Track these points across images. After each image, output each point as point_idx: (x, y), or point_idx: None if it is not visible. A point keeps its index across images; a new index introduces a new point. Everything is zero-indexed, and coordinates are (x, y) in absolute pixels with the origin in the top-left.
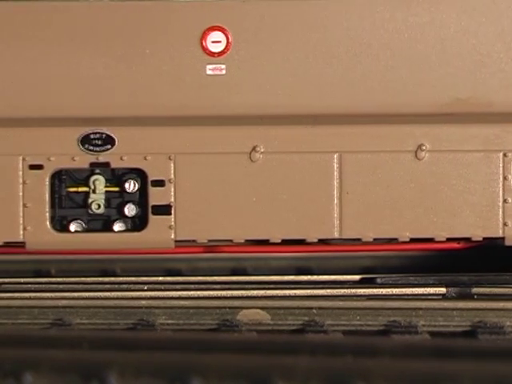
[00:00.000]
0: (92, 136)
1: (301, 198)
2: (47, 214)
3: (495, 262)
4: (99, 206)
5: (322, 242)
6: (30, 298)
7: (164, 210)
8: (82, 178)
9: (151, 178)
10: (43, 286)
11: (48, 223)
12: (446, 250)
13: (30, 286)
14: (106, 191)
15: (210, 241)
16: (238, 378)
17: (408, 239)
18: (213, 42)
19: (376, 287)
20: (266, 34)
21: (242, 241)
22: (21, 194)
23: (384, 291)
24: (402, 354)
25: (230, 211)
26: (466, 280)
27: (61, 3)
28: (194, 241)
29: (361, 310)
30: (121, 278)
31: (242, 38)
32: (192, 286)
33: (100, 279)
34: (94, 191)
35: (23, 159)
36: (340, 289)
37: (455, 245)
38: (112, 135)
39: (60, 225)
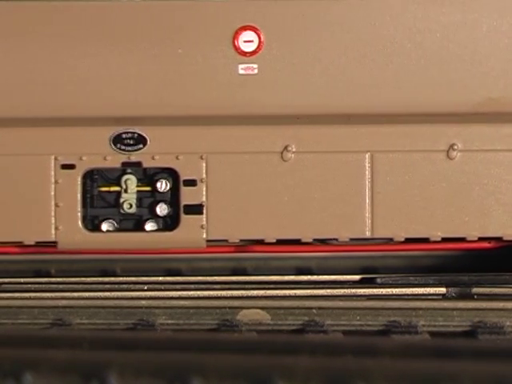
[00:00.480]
0: (124, 135)
1: (332, 198)
2: (79, 214)
3: None
4: (131, 206)
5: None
6: (30, 298)
7: (196, 209)
8: (113, 177)
9: (183, 177)
10: (43, 285)
11: (80, 223)
12: (477, 250)
13: (29, 285)
14: (138, 191)
15: (241, 240)
16: (238, 378)
17: (439, 239)
18: (245, 41)
19: (376, 287)
20: (298, 33)
21: (274, 240)
22: (53, 193)
23: (384, 291)
24: (401, 354)
25: (261, 211)
26: (466, 280)
27: (93, 2)
28: (225, 240)
29: (361, 310)
30: (121, 278)
31: (274, 37)
32: (192, 286)
33: (100, 279)
34: (125, 191)
35: (55, 159)
36: (340, 289)
37: (486, 244)
38: (144, 135)
39: (92, 224)
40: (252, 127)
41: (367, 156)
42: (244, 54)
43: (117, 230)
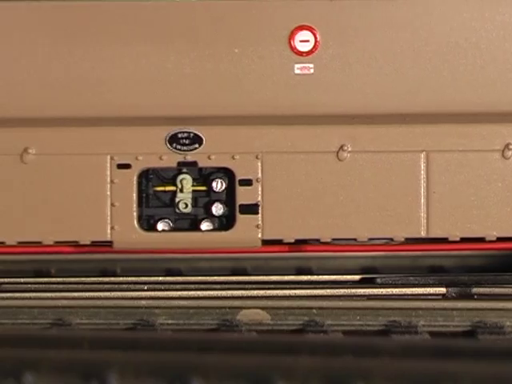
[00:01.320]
0: (180, 135)
1: (387, 197)
2: (135, 214)
3: None
4: (186, 206)
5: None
6: (30, 298)
7: (251, 209)
8: (169, 177)
9: (239, 177)
10: (43, 285)
11: (135, 222)
12: None
13: (29, 285)
14: (193, 190)
15: (296, 240)
16: (238, 378)
17: (495, 238)
18: (301, 41)
19: (376, 287)
20: (353, 32)
21: (329, 240)
22: (108, 193)
23: (384, 291)
24: (401, 354)
25: (316, 210)
26: (465, 280)
27: (151, 2)
28: (280, 240)
29: (361, 310)
30: (121, 278)
31: (330, 37)
32: (192, 286)
33: (100, 279)
34: (181, 190)
35: (111, 158)
36: (340, 289)
37: None
38: (200, 134)
39: (147, 224)
40: (308, 127)
41: (422, 155)
42: (300, 53)
43: (172, 229)
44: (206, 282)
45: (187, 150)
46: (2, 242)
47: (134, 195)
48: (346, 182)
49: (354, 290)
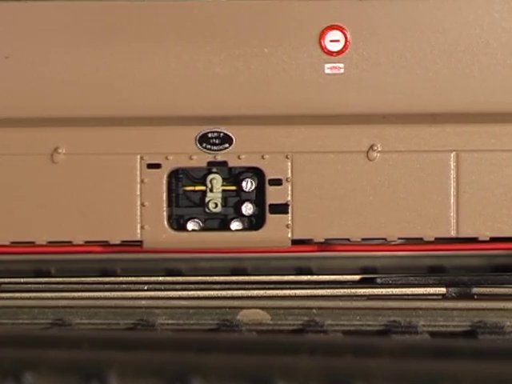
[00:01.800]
0: (210, 135)
1: (417, 197)
2: (164, 213)
3: None
4: (216, 205)
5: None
6: (30, 298)
7: (281, 208)
8: (198, 176)
9: (269, 176)
10: (43, 285)
11: (165, 222)
12: None
13: (29, 285)
14: (223, 190)
15: (326, 240)
16: (237, 378)
17: None
18: (331, 40)
19: (376, 287)
20: (384, 32)
21: (359, 239)
22: (138, 192)
23: (384, 291)
24: (401, 354)
25: (346, 210)
26: (465, 280)
27: (181, 2)
28: (310, 240)
29: (361, 309)
30: (121, 278)
31: (361, 36)
32: (192, 286)
33: (100, 279)
34: (211, 190)
35: (141, 158)
36: (340, 289)
37: None
38: (230, 134)
39: (177, 224)
40: (338, 126)
41: (452, 155)
42: (330, 53)
43: (202, 229)
44: (206, 282)
45: (217, 150)
46: (32, 242)
47: (164, 195)
48: (375, 182)
49: (353, 290)
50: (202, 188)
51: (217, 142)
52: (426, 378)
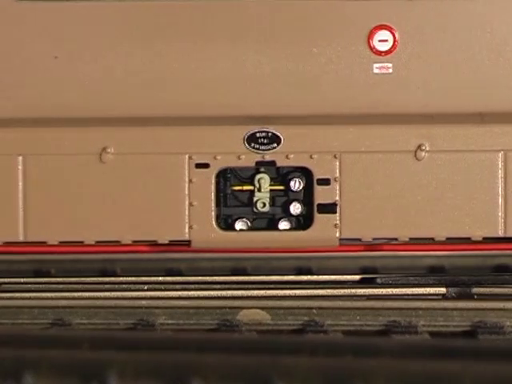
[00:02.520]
0: (258, 135)
1: (465, 197)
2: (213, 213)
3: None
4: (264, 205)
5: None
6: (30, 298)
7: (329, 208)
8: (247, 176)
9: (317, 176)
10: (43, 285)
11: (213, 222)
12: None
13: (29, 285)
14: (271, 190)
15: (374, 239)
16: (238, 378)
17: None
18: (380, 40)
19: (376, 287)
20: (432, 32)
21: (407, 239)
22: (187, 192)
23: (384, 291)
24: (401, 353)
25: (394, 209)
26: (465, 280)
27: (229, 2)
28: (359, 239)
29: (361, 310)
30: (121, 278)
31: (409, 36)
32: (192, 286)
33: (100, 279)
34: (259, 190)
35: (189, 158)
36: (340, 289)
37: None
38: (278, 134)
39: (225, 223)
40: (386, 126)
41: (500, 155)
42: (379, 53)
43: (250, 229)
44: (206, 282)
45: (265, 150)
46: (81, 242)
47: (212, 194)
48: (423, 182)
49: (353, 290)
50: (250, 188)
51: (265, 141)
52: (426, 378)
